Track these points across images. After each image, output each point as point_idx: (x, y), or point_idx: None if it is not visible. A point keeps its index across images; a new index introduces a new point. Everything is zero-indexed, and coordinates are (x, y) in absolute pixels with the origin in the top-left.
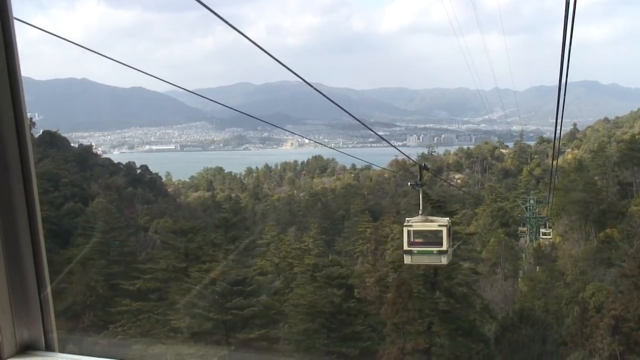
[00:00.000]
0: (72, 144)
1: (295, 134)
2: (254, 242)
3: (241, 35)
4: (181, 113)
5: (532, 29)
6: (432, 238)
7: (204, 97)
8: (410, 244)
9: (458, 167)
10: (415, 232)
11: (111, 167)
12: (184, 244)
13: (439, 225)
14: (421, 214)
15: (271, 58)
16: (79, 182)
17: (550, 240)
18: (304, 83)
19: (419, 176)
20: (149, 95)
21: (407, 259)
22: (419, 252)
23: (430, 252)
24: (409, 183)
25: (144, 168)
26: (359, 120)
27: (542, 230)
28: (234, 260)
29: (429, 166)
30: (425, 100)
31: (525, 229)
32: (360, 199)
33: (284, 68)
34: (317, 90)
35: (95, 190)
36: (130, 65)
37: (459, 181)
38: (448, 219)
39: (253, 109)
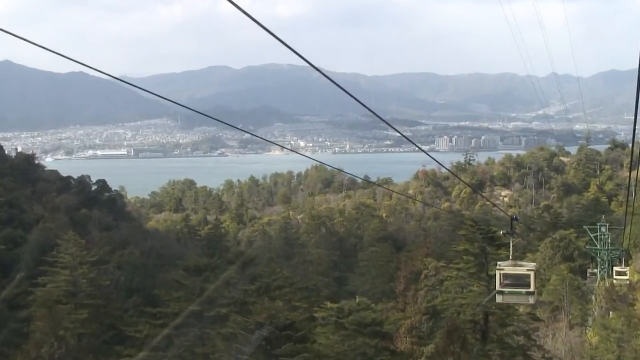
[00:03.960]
0: (6, 152)
1: (288, 135)
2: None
3: (217, 2)
4: (135, 106)
5: None
6: (521, 280)
7: (156, 95)
8: (501, 285)
9: (505, 181)
10: (505, 274)
11: (59, 182)
12: (200, 284)
13: (527, 270)
14: (511, 259)
15: (256, 34)
16: (17, 202)
17: (627, 280)
18: (298, 67)
19: (510, 226)
20: (93, 83)
21: (499, 299)
22: (510, 293)
23: (520, 293)
24: (501, 232)
25: (101, 183)
26: (377, 115)
27: (617, 268)
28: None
29: (518, 217)
30: (460, 89)
31: (594, 264)
32: (378, 222)
33: (271, 47)
34: (323, 74)
35: (39, 213)
36: (69, 42)
37: (506, 199)
38: (535, 264)
39: (231, 101)
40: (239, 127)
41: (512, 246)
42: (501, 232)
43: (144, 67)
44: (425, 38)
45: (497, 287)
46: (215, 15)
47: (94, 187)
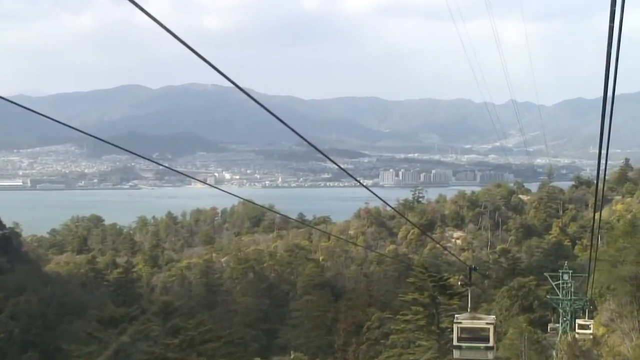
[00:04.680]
0: None
1: (212, 166)
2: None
3: (133, 12)
4: (34, 130)
5: (569, 13)
6: (480, 334)
7: (57, 121)
8: (459, 339)
9: (457, 221)
10: (463, 328)
11: None
12: (115, 337)
13: (487, 323)
14: (470, 312)
15: (176, 49)
16: None
17: (591, 334)
18: (224, 88)
19: (468, 276)
20: None
21: (456, 354)
22: (468, 348)
23: (478, 348)
24: (459, 282)
25: None
26: (313, 146)
27: (579, 321)
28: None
29: (477, 267)
30: (408, 117)
31: (555, 315)
32: (314, 267)
33: (193, 65)
34: (251, 97)
35: None
36: None
37: (458, 242)
38: (494, 317)
39: (146, 125)
40: (154, 156)
41: (469, 297)
42: (459, 283)
43: (45, 84)
44: (371, 58)
45: (455, 342)
46: (130, 27)
47: None
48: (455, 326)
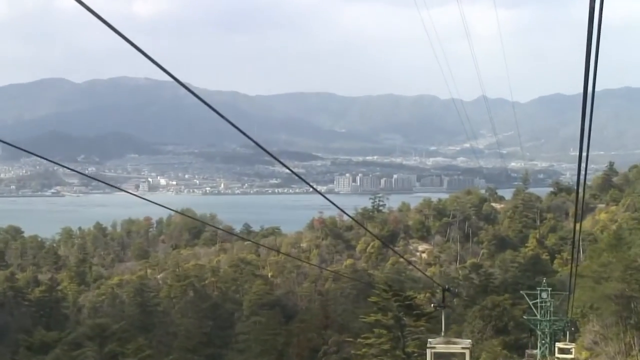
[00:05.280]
0: None
1: (145, 170)
2: None
3: None
4: None
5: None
6: None
7: None
8: None
9: (423, 232)
10: (437, 354)
11: None
12: None
13: (462, 348)
14: (443, 336)
15: (103, 38)
16: None
17: (573, 358)
18: (159, 82)
19: (442, 297)
20: None
21: None
22: None
23: None
24: (432, 305)
25: None
26: (260, 146)
27: (560, 345)
28: None
29: (454, 290)
30: (366, 115)
31: (533, 338)
32: (262, 284)
33: (123, 56)
34: (191, 91)
35: None
36: None
37: (424, 255)
38: (470, 341)
39: (70, 124)
40: (79, 159)
41: (442, 320)
42: (432, 306)
43: None
44: (324, 50)
45: None
46: (50, 14)
47: None
48: (428, 351)
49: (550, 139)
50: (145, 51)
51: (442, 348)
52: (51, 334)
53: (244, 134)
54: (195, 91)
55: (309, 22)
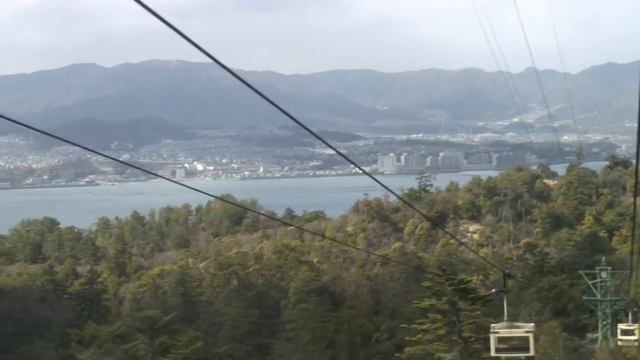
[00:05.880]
0: None
1: (181, 155)
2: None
3: None
4: None
5: None
6: (519, 344)
7: None
8: (497, 350)
9: (473, 212)
10: (501, 338)
11: None
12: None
13: (526, 331)
14: (506, 320)
15: (133, 20)
16: None
17: (636, 341)
18: (191, 64)
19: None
20: None
21: None
22: (507, 359)
23: (518, 358)
24: (493, 290)
25: None
26: (303, 126)
27: (622, 326)
28: None
29: (512, 273)
30: (409, 91)
31: (594, 319)
32: (308, 271)
33: (154, 38)
34: (229, 71)
35: None
36: None
37: (475, 236)
38: (533, 324)
39: (102, 110)
40: (113, 146)
41: (505, 305)
42: (493, 291)
43: None
44: (362, 25)
45: (492, 353)
46: None
47: None
48: (492, 336)
49: (603, 111)
50: (170, 34)
51: (505, 332)
52: (103, 327)
53: (287, 114)
54: (232, 70)
55: None
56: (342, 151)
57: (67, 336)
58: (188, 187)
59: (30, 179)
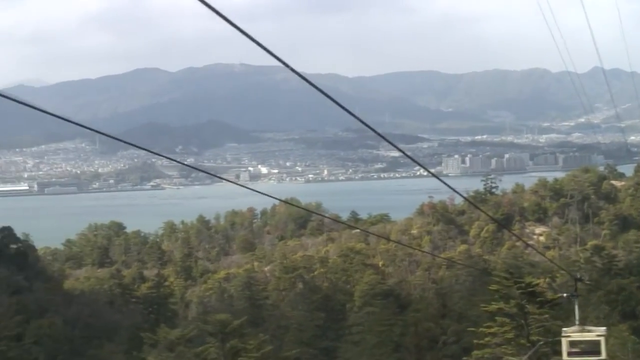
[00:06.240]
0: None
1: (245, 159)
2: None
3: None
4: (39, 125)
5: None
6: (590, 348)
7: (61, 118)
8: (569, 354)
9: (539, 214)
10: (573, 342)
11: None
12: None
13: (597, 335)
14: (578, 324)
15: (198, 24)
16: None
17: None
18: (254, 67)
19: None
20: None
21: None
22: None
23: None
24: (564, 294)
25: (7, 232)
26: (372, 128)
27: None
28: None
29: (583, 278)
30: (473, 92)
31: None
32: (374, 274)
33: (217, 42)
34: (299, 74)
35: None
36: None
37: (541, 238)
38: (605, 328)
39: (167, 115)
40: (177, 150)
41: (576, 310)
42: (564, 295)
43: (48, 72)
44: (425, 26)
45: (564, 357)
46: (140, 4)
47: None
48: (564, 340)
49: None
50: (240, 37)
51: (577, 336)
52: (175, 331)
53: (356, 117)
54: (292, 75)
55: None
56: (408, 154)
57: (135, 339)
58: (253, 190)
59: (97, 184)
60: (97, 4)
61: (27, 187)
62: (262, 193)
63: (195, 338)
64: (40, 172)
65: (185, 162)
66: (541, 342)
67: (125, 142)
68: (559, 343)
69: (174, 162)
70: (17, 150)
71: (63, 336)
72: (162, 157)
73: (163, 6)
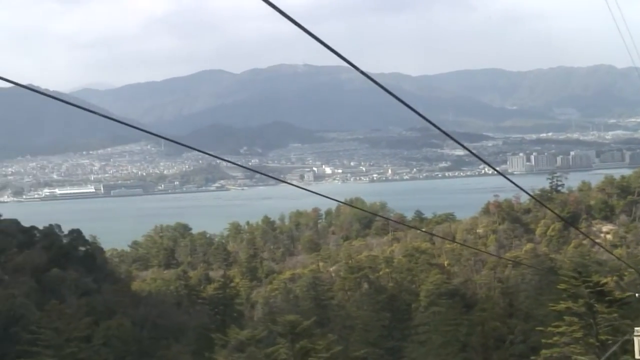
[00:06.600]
0: None
1: (309, 159)
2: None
3: None
4: (104, 128)
5: None
6: None
7: (130, 126)
8: None
9: (606, 212)
10: None
11: (20, 234)
12: None
13: None
14: None
15: (261, 26)
16: None
17: None
18: (318, 68)
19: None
20: (48, 99)
21: None
22: None
23: None
24: (636, 294)
25: (75, 234)
26: (438, 127)
27: None
28: None
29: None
30: (538, 90)
31: None
32: (439, 273)
33: (281, 44)
34: (364, 74)
35: None
36: (7, 45)
37: (608, 236)
38: None
39: (232, 115)
40: (242, 150)
41: (638, 307)
42: (637, 295)
43: (113, 75)
44: (488, 23)
45: (637, 355)
46: (207, 5)
47: (65, 240)
48: (636, 339)
49: None
50: (303, 38)
51: None
52: (244, 332)
53: (420, 114)
54: (356, 75)
55: None
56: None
57: (203, 340)
58: (314, 192)
59: (162, 185)
60: (163, 7)
61: (94, 190)
62: (321, 195)
63: (264, 339)
64: (107, 175)
65: (250, 163)
66: (609, 341)
67: (186, 147)
68: (628, 342)
69: (240, 161)
70: (83, 153)
71: (131, 337)
72: (226, 158)
73: (227, 8)
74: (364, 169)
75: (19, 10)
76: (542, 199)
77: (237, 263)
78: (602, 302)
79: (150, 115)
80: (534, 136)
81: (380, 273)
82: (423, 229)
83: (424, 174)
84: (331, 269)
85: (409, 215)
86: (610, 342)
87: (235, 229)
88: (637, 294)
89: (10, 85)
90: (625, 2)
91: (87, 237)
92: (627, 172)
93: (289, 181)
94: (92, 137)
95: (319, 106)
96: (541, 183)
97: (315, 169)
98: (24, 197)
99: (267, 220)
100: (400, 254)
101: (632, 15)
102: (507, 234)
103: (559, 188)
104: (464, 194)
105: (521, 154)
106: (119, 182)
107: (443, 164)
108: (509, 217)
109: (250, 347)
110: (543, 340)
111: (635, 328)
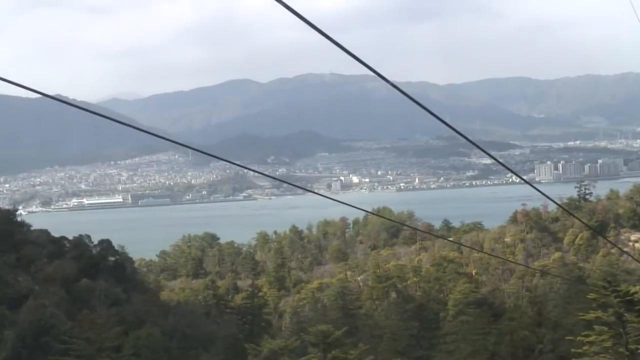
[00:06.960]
0: None
1: (336, 168)
2: None
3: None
4: (132, 138)
5: None
6: None
7: (156, 135)
8: None
9: (635, 220)
10: None
11: (51, 245)
12: None
13: None
14: None
15: (288, 36)
16: None
17: None
18: (344, 77)
19: None
20: (75, 109)
21: None
22: None
23: None
24: None
25: (105, 244)
26: (465, 137)
27: None
28: None
29: None
30: (565, 98)
31: None
32: (467, 282)
33: (307, 53)
34: (392, 84)
35: (27, 285)
36: (38, 55)
37: (637, 245)
38: None
39: (259, 125)
40: (269, 160)
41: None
42: None
43: (141, 85)
44: (515, 32)
45: None
46: (234, 16)
47: (94, 251)
48: None
49: None
50: (329, 47)
51: None
52: (277, 341)
53: (447, 124)
54: (383, 84)
55: (498, 4)
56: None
57: (232, 350)
58: (341, 202)
59: (190, 195)
60: (190, 17)
61: (122, 199)
62: (348, 205)
63: (296, 349)
64: (134, 184)
65: (277, 172)
66: (639, 351)
67: (214, 156)
68: None
69: (267, 171)
70: (111, 163)
71: (161, 347)
72: (254, 168)
73: (254, 18)
74: (391, 178)
75: (48, 21)
76: (570, 208)
77: (264, 272)
78: (632, 312)
79: (178, 125)
80: (561, 144)
81: (408, 282)
82: (451, 239)
83: (451, 183)
84: (359, 278)
85: (437, 225)
86: (639, 351)
87: (263, 238)
88: None
89: (39, 95)
90: None
91: (116, 247)
92: None
93: (316, 190)
94: (120, 147)
95: (345, 115)
96: (569, 191)
97: (342, 178)
98: (52, 207)
99: (294, 230)
100: (428, 263)
101: None
102: (535, 242)
103: (587, 196)
104: (491, 203)
105: (549, 163)
106: (147, 191)
107: (470, 173)
108: (536, 226)
109: (283, 357)
110: (572, 350)
111: None
